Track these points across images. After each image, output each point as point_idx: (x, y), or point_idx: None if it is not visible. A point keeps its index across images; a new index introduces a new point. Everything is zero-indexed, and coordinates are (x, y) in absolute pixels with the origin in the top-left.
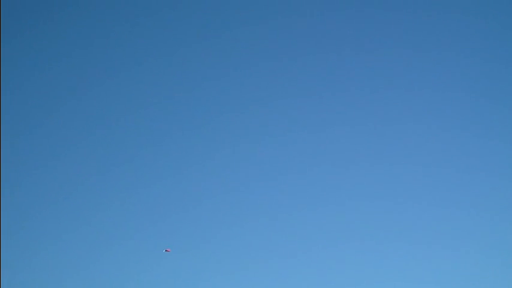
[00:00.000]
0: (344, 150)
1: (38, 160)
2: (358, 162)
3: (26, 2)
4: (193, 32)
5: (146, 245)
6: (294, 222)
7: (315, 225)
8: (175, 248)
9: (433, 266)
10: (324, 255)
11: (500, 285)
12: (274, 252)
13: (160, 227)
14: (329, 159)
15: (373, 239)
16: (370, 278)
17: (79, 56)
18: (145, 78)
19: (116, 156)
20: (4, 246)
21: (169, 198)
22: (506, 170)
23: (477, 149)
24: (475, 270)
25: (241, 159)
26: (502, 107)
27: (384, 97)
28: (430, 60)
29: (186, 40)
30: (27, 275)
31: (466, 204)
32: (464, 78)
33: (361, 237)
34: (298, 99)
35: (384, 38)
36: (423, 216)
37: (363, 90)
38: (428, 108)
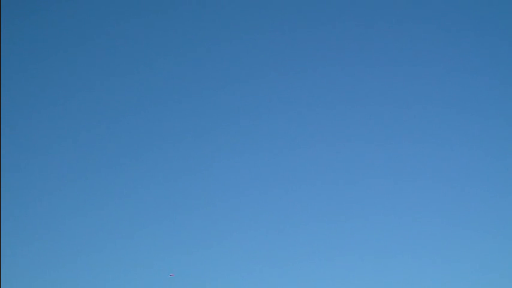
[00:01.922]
0: (351, 159)
1: (36, 159)
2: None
3: (26, 2)
4: (198, 34)
5: (147, 244)
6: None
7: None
8: (174, 247)
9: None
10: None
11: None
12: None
13: (160, 229)
14: (336, 167)
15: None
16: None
17: (87, 55)
18: (149, 79)
19: (117, 157)
20: (4, 246)
21: (169, 201)
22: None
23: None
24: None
25: (241, 163)
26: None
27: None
28: (433, 56)
29: (190, 42)
30: (25, 274)
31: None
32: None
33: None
34: (301, 104)
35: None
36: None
37: (368, 96)
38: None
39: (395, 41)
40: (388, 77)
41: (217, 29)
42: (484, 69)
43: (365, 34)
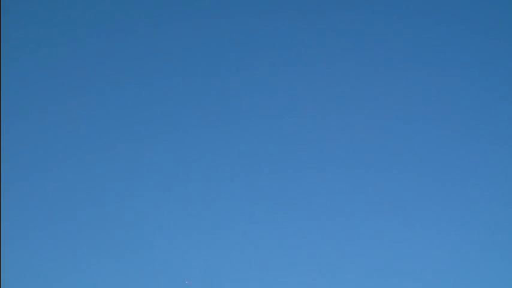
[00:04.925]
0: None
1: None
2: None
3: (26, 2)
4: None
5: (148, 246)
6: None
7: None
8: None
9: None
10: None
11: None
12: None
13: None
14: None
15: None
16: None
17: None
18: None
19: (116, 157)
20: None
21: (168, 201)
22: None
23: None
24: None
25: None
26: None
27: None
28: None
29: (192, 38)
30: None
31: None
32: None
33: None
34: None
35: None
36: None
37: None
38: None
39: (395, 39)
40: (390, 77)
41: (214, 27)
42: (485, 69)
43: (364, 32)
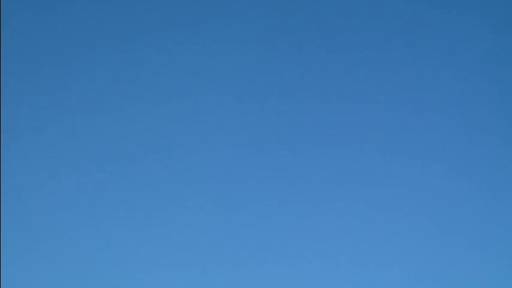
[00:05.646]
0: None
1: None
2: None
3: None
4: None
5: (147, 246)
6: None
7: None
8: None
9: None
10: None
11: None
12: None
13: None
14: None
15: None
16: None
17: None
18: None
19: (113, 152)
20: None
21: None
22: None
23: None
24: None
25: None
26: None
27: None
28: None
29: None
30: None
31: None
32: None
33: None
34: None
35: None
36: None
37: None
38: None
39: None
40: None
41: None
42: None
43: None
